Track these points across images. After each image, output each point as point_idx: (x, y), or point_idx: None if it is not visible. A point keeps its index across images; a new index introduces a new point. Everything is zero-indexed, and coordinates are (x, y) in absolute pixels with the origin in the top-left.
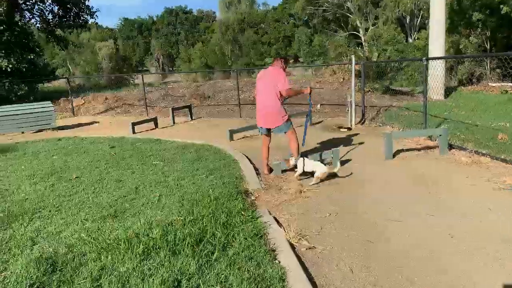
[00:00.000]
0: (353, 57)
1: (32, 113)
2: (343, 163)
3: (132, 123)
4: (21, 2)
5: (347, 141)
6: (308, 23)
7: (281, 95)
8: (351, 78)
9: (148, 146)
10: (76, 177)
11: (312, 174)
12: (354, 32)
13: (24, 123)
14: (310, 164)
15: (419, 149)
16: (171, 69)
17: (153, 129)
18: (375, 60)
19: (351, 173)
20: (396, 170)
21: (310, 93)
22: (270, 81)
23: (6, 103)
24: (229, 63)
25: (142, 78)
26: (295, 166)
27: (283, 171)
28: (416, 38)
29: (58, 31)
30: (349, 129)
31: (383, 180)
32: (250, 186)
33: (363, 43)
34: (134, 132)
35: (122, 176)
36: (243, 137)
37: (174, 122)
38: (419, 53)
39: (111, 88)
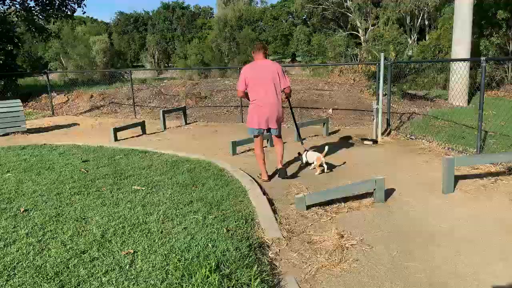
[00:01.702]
0: (382, 55)
1: None
2: (387, 195)
3: (114, 129)
4: None
5: (379, 161)
6: (306, 22)
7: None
8: (379, 81)
9: (130, 160)
10: (24, 210)
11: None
12: (354, 32)
13: None
14: (311, 155)
15: (479, 176)
16: (166, 65)
17: (139, 135)
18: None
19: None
20: (470, 212)
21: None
22: (269, 77)
23: None
24: (225, 60)
25: (131, 74)
26: (307, 163)
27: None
28: (416, 39)
29: (39, 20)
30: (375, 142)
31: (464, 233)
32: (266, 233)
33: (362, 43)
34: (116, 140)
35: (87, 211)
36: (248, 150)
37: (165, 127)
38: (429, 55)
39: (104, 83)
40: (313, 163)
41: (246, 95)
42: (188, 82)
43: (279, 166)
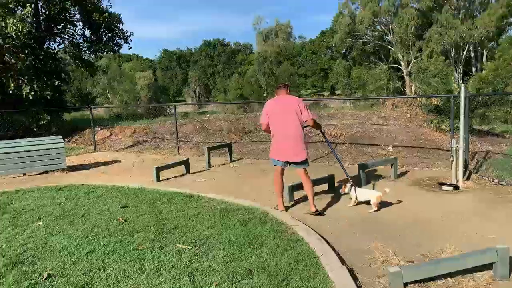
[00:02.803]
0: (463, 86)
1: (37, 150)
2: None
3: (156, 168)
4: (52, 25)
5: (471, 213)
6: (346, 55)
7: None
8: (459, 116)
9: (173, 207)
10: (48, 277)
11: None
12: (395, 65)
13: (27, 162)
14: (364, 193)
15: None
16: (207, 99)
17: (183, 174)
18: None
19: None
20: None
21: (321, 129)
22: (291, 110)
23: (27, 134)
24: (264, 94)
25: (175, 109)
26: (357, 201)
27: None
28: (461, 71)
29: (87, 56)
30: (456, 187)
31: None
32: None
33: (405, 76)
34: (158, 180)
35: (122, 279)
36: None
37: (209, 165)
38: (499, 87)
39: (148, 117)
40: (366, 201)
41: (269, 129)
42: (231, 117)
43: (312, 210)
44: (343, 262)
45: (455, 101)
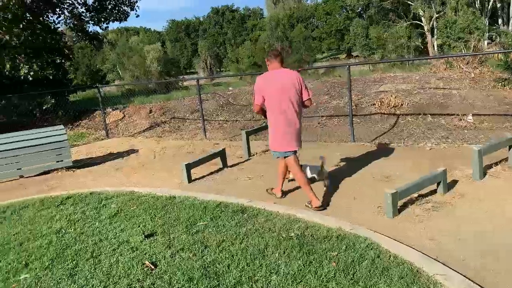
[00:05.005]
0: None
1: (35, 145)
2: None
3: (186, 165)
4: None
5: None
6: (362, 14)
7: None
8: None
9: (223, 232)
10: None
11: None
12: (416, 22)
13: (24, 161)
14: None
15: None
16: (218, 70)
17: (219, 169)
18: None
19: None
20: None
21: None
22: (291, 88)
23: (29, 121)
24: None
25: (198, 83)
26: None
27: None
28: (487, 23)
29: (91, 27)
30: None
31: None
32: None
33: (426, 33)
34: (190, 181)
35: None
36: (412, 201)
37: (249, 154)
38: None
39: (160, 92)
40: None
41: (263, 111)
42: None
43: (316, 203)
44: None
45: None
